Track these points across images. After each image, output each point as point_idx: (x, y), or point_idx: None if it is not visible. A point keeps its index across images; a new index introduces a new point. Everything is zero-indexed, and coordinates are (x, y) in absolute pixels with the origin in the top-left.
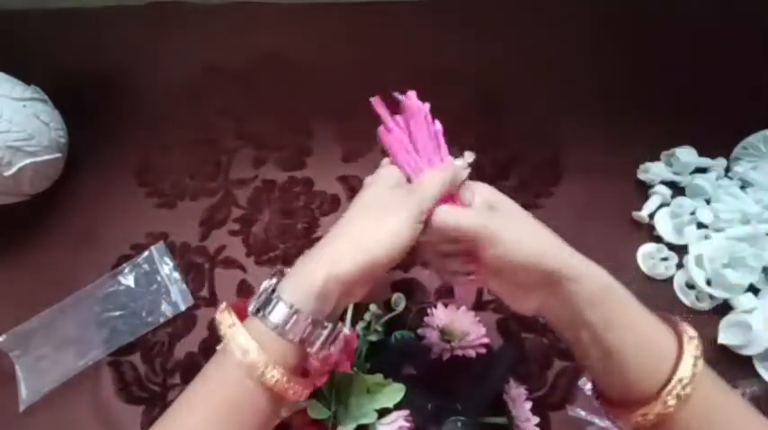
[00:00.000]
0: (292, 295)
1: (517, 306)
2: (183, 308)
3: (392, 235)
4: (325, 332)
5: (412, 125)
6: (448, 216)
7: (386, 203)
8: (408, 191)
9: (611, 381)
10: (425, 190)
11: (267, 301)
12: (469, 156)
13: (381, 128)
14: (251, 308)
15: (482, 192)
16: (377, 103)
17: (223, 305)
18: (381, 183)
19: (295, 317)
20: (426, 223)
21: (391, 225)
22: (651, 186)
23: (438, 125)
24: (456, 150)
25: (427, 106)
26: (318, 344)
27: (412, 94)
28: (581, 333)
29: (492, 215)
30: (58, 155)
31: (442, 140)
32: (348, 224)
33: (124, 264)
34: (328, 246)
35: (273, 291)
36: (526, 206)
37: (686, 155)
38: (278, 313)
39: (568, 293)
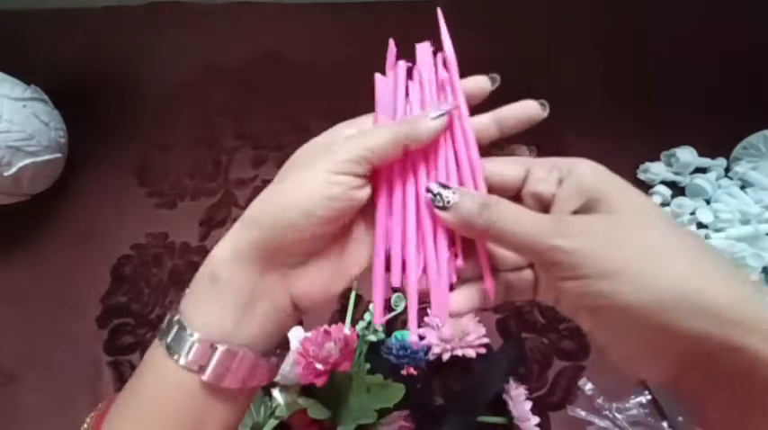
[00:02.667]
0: None
1: (632, 370)
2: None
3: (293, 192)
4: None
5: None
6: (491, 211)
7: (305, 158)
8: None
9: None
10: (349, 141)
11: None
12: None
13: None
14: None
15: (580, 171)
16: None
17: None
18: (315, 140)
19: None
20: (373, 179)
21: (293, 182)
22: (651, 186)
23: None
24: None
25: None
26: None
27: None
28: None
29: (586, 224)
30: (58, 155)
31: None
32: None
33: None
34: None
35: None
36: None
37: (686, 155)
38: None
39: (749, 380)
